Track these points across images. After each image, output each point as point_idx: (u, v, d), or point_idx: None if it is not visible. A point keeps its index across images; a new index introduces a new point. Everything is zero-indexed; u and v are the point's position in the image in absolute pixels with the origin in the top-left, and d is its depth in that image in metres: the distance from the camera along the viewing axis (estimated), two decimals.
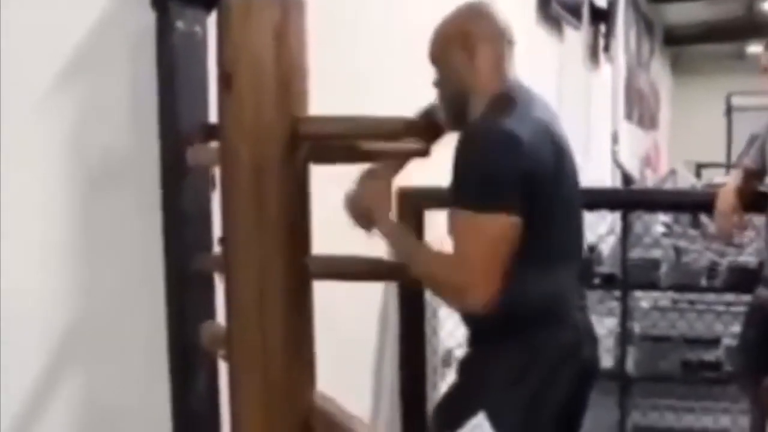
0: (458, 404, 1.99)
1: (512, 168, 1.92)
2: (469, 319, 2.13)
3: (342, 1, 2.98)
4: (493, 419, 1.75)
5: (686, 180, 9.27)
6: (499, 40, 2.12)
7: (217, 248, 2.21)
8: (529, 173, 1.93)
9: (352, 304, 2.83)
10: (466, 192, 1.95)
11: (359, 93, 2.91)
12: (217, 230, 2.20)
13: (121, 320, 2.02)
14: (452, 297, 2.04)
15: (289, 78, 1.92)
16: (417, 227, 3.65)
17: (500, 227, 1.92)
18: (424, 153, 2.05)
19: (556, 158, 2.03)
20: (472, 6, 2.16)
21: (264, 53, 1.88)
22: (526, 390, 1.99)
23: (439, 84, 2.14)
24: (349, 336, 3.00)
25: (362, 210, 2.10)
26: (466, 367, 2.12)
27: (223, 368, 2.17)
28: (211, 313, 2.23)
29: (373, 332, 3.57)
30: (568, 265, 2.12)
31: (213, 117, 2.17)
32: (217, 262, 2.15)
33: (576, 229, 2.16)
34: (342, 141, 1.98)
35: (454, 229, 1.98)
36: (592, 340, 2.17)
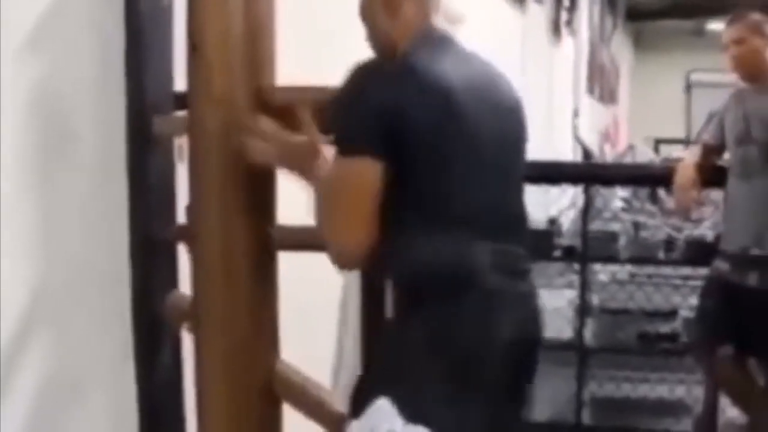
0: (365, 387, 1.82)
1: (374, 104, 1.76)
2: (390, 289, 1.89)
3: None
4: (408, 401, 1.65)
5: (645, 155, 9.36)
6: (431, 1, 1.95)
7: (182, 217, 2.21)
8: (400, 113, 1.76)
9: (313, 276, 2.84)
10: (336, 135, 1.81)
11: (327, 58, 2.91)
12: (181, 200, 2.21)
13: (86, 288, 2.02)
14: (333, 262, 1.87)
15: (257, 46, 1.93)
16: None
17: (363, 177, 1.76)
18: None
19: (460, 110, 1.82)
20: None
21: (233, 22, 1.89)
22: (436, 367, 1.78)
23: (369, 41, 2.00)
24: (310, 308, 3.01)
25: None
26: (376, 344, 1.97)
27: (186, 337, 2.19)
28: (174, 283, 2.24)
29: (335, 305, 3.59)
30: (480, 227, 1.86)
31: (179, 86, 2.18)
32: (181, 231, 2.16)
33: (494, 188, 1.91)
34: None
35: (330, 179, 1.84)
36: (523, 307, 1.92)
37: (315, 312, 3.16)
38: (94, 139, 2.04)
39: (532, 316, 1.94)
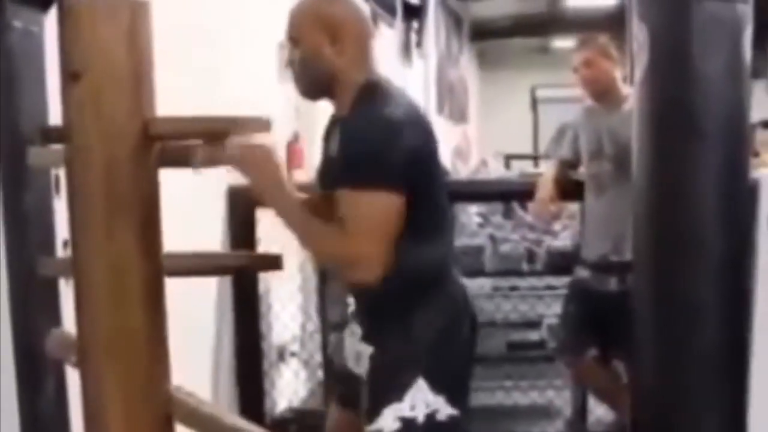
0: (399, 374, 2.18)
1: (396, 151, 2.10)
2: (370, 290, 2.24)
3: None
4: (430, 379, 2.09)
5: (497, 171, 9.64)
6: (366, 31, 2.24)
7: (61, 252, 2.19)
8: (412, 153, 2.13)
9: (185, 297, 2.84)
10: (356, 174, 2.11)
11: (208, 91, 2.93)
12: (59, 233, 2.18)
13: None
14: (347, 269, 2.22)
15: (140, 78, 1.93)
16: (248, 225, 3.69)
17: (385, 205, 2.11)
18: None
19: (431, 136, 2.26)
20: None
21: (116, 52, 1.87)
22: (446, 346, 2.22)
23: (301, 65, 2.22)
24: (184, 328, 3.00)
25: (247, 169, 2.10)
26: (382, 336, 2.26)
27: (71, 374, 2.16)
28: (57, 317, 2.20)
29: (210, 322, 3.58)
30: (449, 232, 2.38)
31: (52, 118, 2.15)
32: (62, 266, 2.13)
33: (449, 200, 2.38)
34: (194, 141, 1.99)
35: (345, 208, 2.14)
36: (470, 296, 2.39)
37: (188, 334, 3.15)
38: None
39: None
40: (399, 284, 2.19)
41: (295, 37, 2.21)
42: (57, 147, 2.08)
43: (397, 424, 2.16)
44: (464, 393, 2.29)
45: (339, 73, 2.19)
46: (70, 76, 1.86)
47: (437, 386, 2.15)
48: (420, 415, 2.15)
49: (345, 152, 2.15)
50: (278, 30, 2.43)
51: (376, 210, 2.11)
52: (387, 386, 2.20)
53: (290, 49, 2.22)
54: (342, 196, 2.14)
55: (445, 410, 2.17)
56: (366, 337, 2.30)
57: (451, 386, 2.20)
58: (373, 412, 2.18)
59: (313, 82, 2.23)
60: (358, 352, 2.32)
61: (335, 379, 2.68)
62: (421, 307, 2.21)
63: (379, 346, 2.26)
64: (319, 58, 2.19)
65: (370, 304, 2.30)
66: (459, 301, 2.29)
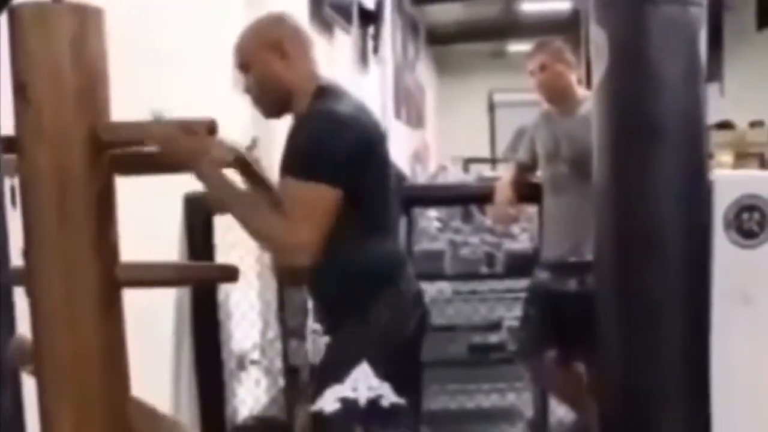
0: (344, 358, 2.23)
1: (340, 149, 2.24)
2: (327, 287, 2.41)
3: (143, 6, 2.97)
4: (373, 365, 2.09)
5: (456, 175, 9.69)
6: (307, 42, 2.43)
7: (18, 261, 2.15)
8: (358, 150, 2.27)
9: (142, 305, 2.82)
10: (299, 165, 2.24)
11: (162, 97, 2.90)
12: (14, 243, 2.15)
13: None
14: (280, 254, 2.37)
15: (89, 85, 1.91)
16: (206, 232, 3.66)
17: (322, 196, 2.22)
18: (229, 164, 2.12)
19: (379, 136, 2.41)
20: (277, 17, 2.45)
21: (62, 61, 1.86)
22: (392, 338, 2.35)
23: (257, 88, 2.39)
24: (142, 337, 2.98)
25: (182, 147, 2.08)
26: (337, 327, 2.41)
27: (27, 383, 2.12)
28: (12, 327, 2.16)
29: (169, 330, 3.54)
30: (396, 229, 2.53)
31: (5, 128, 2.12)
32: (17, 275, 2.10)
33: (395, 200, 2.50)
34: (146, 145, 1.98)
35: (285, 195, 2.26)
36: (421, 291, 2.54)
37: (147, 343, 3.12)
38: None
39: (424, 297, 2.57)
40: (351, 278, 2.35)
41: (246, 63, 2.39)
42: (11, 156, 2.05)
43: (336, 405, 2.19)
44: (408, 387, 2.30)
45: (292, 85, 2.36)
46: (17, 85, 1.83)
47: (381, 374, 2.21)
48: (362, 398, 2.19)
49: (291, 144, 2.31)
50: (232, 35, 2.45)
51: (313, 199, 2.22)
52: (331, 369, 2.26)
53: (244, 76, 2.40)
54: (283, 183, 2.28)
55: (389, 397, 2.21)
56: (327, 331, 2.46)
57: (395, 377, 2.23)
58: (316, 394, 2.23)
59: (272, 99, 2.39)
60: (320, 347, 2.48)
61: (307, 379, 2.74)
62: (371, 301, 2.34)
63: (333, 336, 2.43)
64: (273, 76, 2.36)
65: (328, 300, 2.44)
66: (409, 298, 2.41)
